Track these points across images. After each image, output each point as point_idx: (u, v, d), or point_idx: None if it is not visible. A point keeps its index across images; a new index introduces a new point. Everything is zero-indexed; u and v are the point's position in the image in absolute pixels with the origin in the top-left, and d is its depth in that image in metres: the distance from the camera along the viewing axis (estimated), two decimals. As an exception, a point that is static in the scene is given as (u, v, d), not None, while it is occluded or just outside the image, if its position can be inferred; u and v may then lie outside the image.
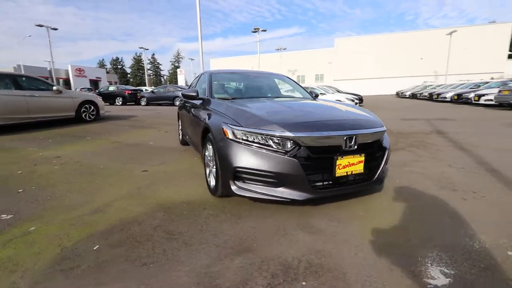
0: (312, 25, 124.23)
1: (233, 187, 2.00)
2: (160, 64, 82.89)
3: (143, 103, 16.34)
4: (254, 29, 25.00)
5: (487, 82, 17.18)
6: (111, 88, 17.57)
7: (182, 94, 3.14)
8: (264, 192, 1.93)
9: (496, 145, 4.45)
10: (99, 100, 7.87)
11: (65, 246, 1.69)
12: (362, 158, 2.01)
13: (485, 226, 1.88)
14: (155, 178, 3.02)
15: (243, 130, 1.95)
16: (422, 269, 1.43)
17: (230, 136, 2.01)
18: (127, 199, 2.45)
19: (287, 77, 3.91)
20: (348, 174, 1.98)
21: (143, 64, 78.41)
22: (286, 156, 1.84)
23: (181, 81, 46.48)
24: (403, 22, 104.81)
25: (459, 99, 16.25)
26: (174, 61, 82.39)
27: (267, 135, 1.88)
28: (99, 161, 3.78)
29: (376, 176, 2.16)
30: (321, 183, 1.93)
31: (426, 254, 1.56)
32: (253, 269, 1.45)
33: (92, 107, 7.61)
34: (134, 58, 78.44)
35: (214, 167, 2.37)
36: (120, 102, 16.55)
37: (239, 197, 2.15)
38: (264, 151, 1.88)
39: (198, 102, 3.15)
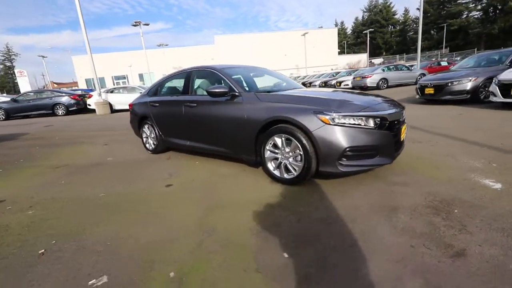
0: (179, 21, 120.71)
1: (340, 167, 2.25)
2: (-24, 64, 58.15)
3: (-1, 116, 11.51)
4: (135, 22, 21.94)
5: (338, 73, 23.20)
6: None
7: (209, 91, 2.85)
8: (365, 164, 2.30)
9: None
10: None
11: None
12: (405, 125, 2.74)
13: (460, 154, 3.03)
14: (202, 189, 2.68)
15: (347, 115, 2.21)
16: (469, 172, 2.28)
17: (331, 122, 2.22)
18: (216, 209, 2.16)
19: (273, 70, 4.20)
20: (402, 139, 2.65)
21: None
22: (382, 131, 2.28)
23: (24, 86, 34.88)
24: (258, 23, 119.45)
25: (325, 86, 21.13)
26: (4, 59, 59.91)
27: (368, 116, 2.24)
28: (79, 191, 2.80)
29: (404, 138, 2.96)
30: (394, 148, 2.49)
31: (458, 165, 2.44)
32: (418, 216, 1.85)
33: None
34: None
35: (293, 157, 2.47)
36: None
37: (339, 175, 2.48)
38: (366, 129, 2.23)
39: (223, 98, 2.96)
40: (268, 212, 2.09)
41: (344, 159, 2.26)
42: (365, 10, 65.03)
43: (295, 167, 2.49)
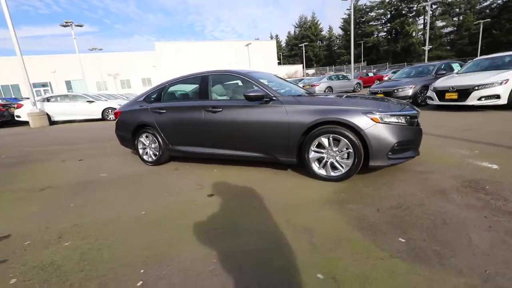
0: (106, 24, 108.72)
1: (389, 160, 2.53)
2: None
3: None
4: (66, 22, 18.72)
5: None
6: None
7: (247, 95, 2.80)
8: (403, 156, 2.63)
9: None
10: None
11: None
12: (415, 123, 3.24)
13: (446, 146, 3.72)
14: (252, 195, 2.61)
15: (392, 114, 2.51)
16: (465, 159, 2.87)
17: (380, 120, 2.48)
18: (290, 211, 2.14)
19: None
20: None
21: None
22: (415, 127, 2.67)
23: None
24: (194, 31, 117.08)
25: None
26: None
27: (406, 115, 2.59)
28: (105, 213, 2.38)
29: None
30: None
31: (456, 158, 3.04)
32: (465, 194, 2.23)
33: None
34: None
35: (340, 155, 2.65)
36: None
37: (385, 167, 2.79)
38: (407, 126, 2.58)
39: (257, 102, 2.95)
40: (343, 207, 2.19)
41: (390, 153, 2.55)
42: (296, 25, 71.46)
43: (342, 164, 2.67)
